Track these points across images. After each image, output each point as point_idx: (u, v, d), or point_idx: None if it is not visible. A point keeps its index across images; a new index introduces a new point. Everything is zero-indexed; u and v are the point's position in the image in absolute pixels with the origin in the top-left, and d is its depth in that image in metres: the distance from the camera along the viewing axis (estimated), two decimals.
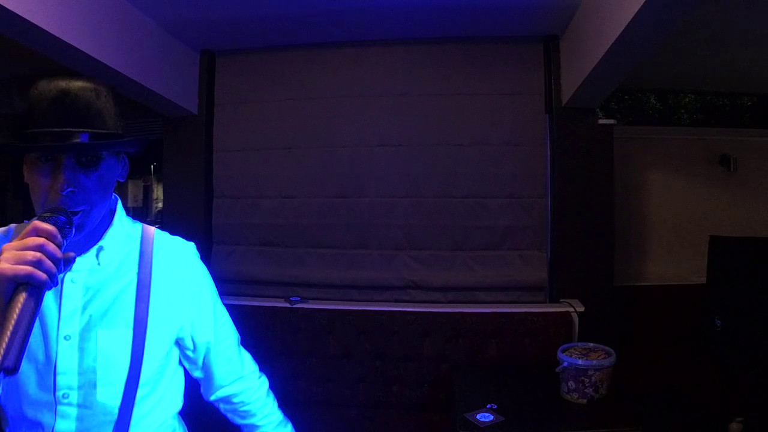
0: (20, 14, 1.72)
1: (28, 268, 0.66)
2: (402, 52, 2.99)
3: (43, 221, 0.73)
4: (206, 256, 3.04)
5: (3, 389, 0.86)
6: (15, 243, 0.70)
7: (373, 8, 2.56)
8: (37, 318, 0.74)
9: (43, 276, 0.68)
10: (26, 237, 0.70)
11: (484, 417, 1.93)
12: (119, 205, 0.98)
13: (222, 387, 1.14)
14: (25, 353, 0.67)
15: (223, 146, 3.15)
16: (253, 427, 1.17)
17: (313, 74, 3.06)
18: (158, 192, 4.32)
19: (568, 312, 2.63)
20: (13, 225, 0.98)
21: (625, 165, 3.16)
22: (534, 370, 2.47)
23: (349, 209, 2.99)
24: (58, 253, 0.71)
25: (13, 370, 0.62)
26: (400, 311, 2.72)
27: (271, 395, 1.22)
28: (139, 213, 4.64)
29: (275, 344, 2.76)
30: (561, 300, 2.75)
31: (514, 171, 2.89)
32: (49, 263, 0.69)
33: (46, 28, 1.85)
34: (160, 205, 3.79)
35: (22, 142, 0.82)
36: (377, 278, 2.95)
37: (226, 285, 2.89)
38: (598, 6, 2.17)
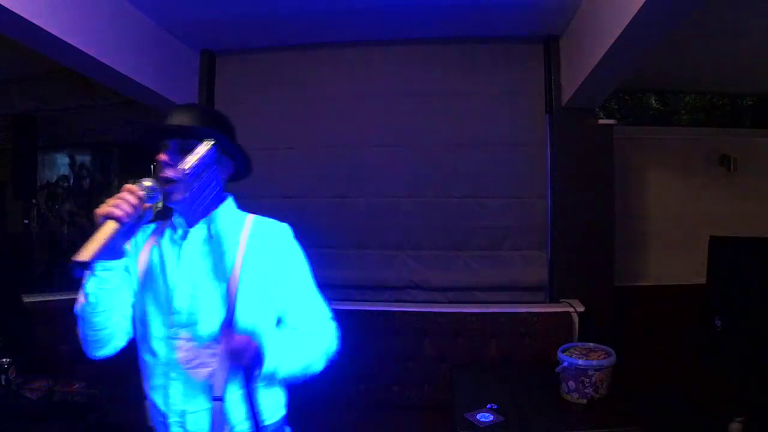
0: (20, 14, 1.72)
1: (110, 209, 1.01)
2: (402, 52, 2.99)
3: (133, 183, 1.07)
4: None
5: (135, 312, 1.19)
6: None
7: (373, 8, 2.56)
8: (163, 274, 1.19)
9: (119, 213, 1.01)
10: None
11: (484, 417, 1.93)
12: (230, 199, 1.31)
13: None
14: (154, 301, 1.18)
15: None
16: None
17: (313, 74, 3.06)
18: None
19: (568, 312, 2.63)
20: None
21: (625, 165, 3.16)
22: (534, 370, 2.47)
23: (349, 209, 2.99)
24: (134, 201, 1.04)
25: (87, 265, 0.96)
26: (400, 311, 2.73)
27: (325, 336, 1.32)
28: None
29: None
30: (561, 300, 2.75)
31: (514, 171, 2.89)
32: (125, 206, 1.02)
33: (46, 28, 1.85)
34: (161, 205, 3.77)
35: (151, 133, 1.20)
36: (377, 278, 2.95)
37: None
38: (598, 6, 2.17)
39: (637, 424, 1.89)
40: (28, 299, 2.76)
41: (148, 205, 1.08)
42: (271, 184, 3.06)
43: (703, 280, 2.86)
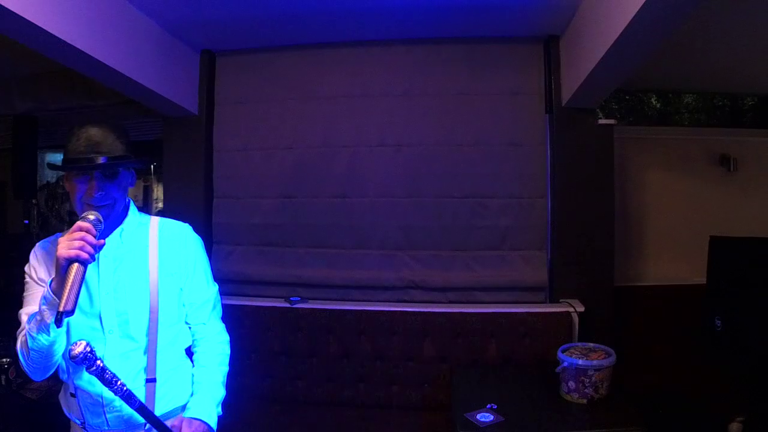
0: (21, 14, 1.72)
1: (76, 251, 1.08)
2: (402, 52, 2.99)
3: (84, 221, 1.14)
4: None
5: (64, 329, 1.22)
6: (66, 236, 1.12)
7: (374, 8, 2.56)
8: (84, 283, 1.15)
9: (86, 255, 1.09)
10: (73, 232, 1.11)
11: (484, 417, 1.93)
12: (132, 204, 1.42)
13: (190, 326, 1.50)
14: (77, 307, 1.12)
15: (223, 146, 3.15)
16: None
17: (313, 74, 3.06)
18: (158, 192, 4.31)
19: (568, 312, 2.63)
20: (59, 233, 1.34)
21: (625, 165, 3.17)
22: (534, 370, 2.47)
23: (349, 209, 2.99)
24: (94, 240, 1.12)
25: (71, 312, 1.04)
26: (400, 311, 2.73)
27: (220, 356, 1.49)
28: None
29: (275, 344, 2.76)
30: (561, 300, 2.75)
31: (514, 171, 2.89)
32: (89, 247, 1.10)
33: (46, 29, 1.85)
34: (161, 205, 3.77)
35: (68, 164, 1.26)
36: (377, 278, 2.95)
37: (227, 285, 2.89)
38: (598, 6, 2.17)
39: (637, 424, 1.89)
40: None
41: (102, 241, 1.16)
42: (271, 184, 3.07)
43: (703, 280, 2.86)
